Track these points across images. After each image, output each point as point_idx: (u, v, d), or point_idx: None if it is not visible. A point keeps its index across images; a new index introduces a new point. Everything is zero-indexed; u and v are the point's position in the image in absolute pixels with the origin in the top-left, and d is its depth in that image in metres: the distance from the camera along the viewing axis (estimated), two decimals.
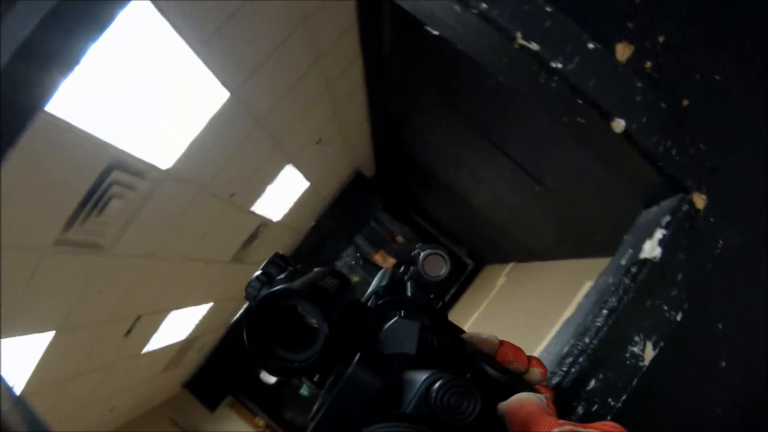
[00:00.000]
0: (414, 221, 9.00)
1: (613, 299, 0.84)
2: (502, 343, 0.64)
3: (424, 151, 5.51)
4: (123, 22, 2.25)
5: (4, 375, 0.99)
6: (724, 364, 0.82)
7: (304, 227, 7.19)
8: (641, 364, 0.81)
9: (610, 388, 0.80)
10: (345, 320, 0.55)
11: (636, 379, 0.80)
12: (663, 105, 0.85)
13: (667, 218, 0.85)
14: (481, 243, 7.49)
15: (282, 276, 0.60)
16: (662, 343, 0.81)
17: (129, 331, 4.21)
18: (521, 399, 0.49)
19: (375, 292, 0.74)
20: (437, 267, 0.72)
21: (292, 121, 4.33)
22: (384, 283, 0.77)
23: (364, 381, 0.48)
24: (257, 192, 4.77)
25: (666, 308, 0.83)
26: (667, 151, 0.84)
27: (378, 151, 7.20)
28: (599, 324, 0.84)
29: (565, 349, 0.85)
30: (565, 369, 0.83)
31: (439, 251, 0.72)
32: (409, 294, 0.73)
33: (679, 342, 0.81)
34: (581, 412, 0.79)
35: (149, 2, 2.30)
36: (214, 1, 2.63)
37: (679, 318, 0.82)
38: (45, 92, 1.14)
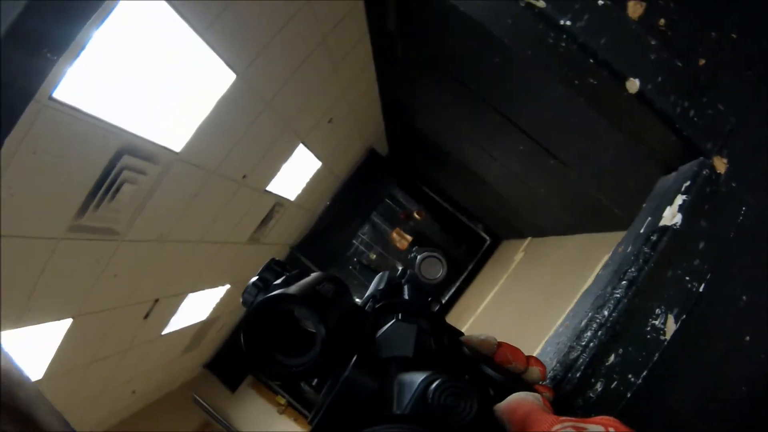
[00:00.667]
0: (429, 198, 8.95)
1: (633, 269, 0.80)
2: (500, 344, 0.64)
3: (437, 127, 5.43)
4: (126, 7, 2.23)
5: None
6: (748, 338, 0.77)
7: (319, 206, 7.18)
8: (662, 338, 0.76)
9: (630, 363, 0.76)
10: (342, 324, 0.55)
11: (657, 354, 0.76)
12: (678, 64, 0.79)
13: (688, 183, 0.80)
14: (497, 219, 7.43)
15: (279, 281, 0.61)
16: (684, 316, 0.77)
17: (147, 315, 4.26)
18: (518, 399, 0.49)
19: (372, 296, 0.74)
20: (434, 270, 0.74)
21: (302, 101, 4.30)
22: (381, 286, 0.78)
23: (361, 384, 0.49)
24: (271, 172, 4.76)
25: (688, 279, 0.78)
26: (685, 113, 0.79)
27: (390, 130, 7.14)
28: (618, 295, 0.79)
29: (583, 323, 0.82)
30: (583, 344, 0.79)
31: (436, 254, 0.74)
32: (406, 297, 0.74)
33: (702, 315, 0.77)
34: (600, 388, 0.75)
35: None
36: None
37: (701, 289, 0.77)
38: (39, 75, 1.12)
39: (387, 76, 5.07)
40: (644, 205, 0.91)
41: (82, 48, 2.13)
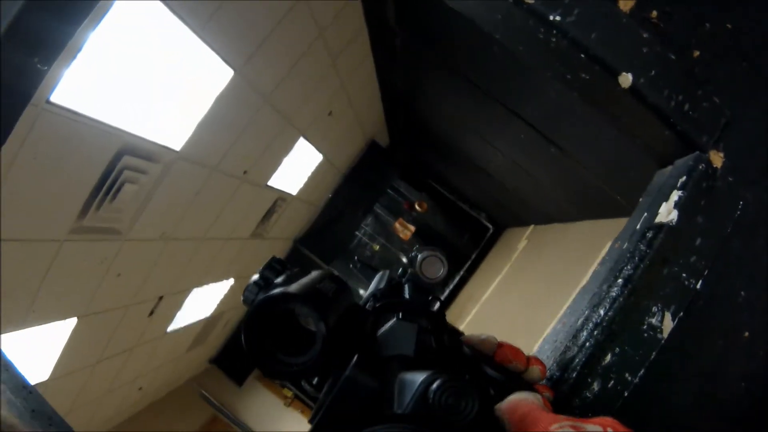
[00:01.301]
0: (431, 188, 8.94)
1: (629, 267, 0.79)
2: (500, 343, 0.64)
3: (437, 118, 5.41)
4: (121, 8, 2.22)
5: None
6: (747, 335, 0.76)
7: (322, 200, 7.18)
8: (659, 336, 0.76)
9: (627, 362, 0.75)
10: (342, 323, 0.55)
11: (654, 353, 0.75)
12: (672, 57, 0.78)
13: (683, 179, 0.79)
14: (499, 207, 7.41)
15: (279, 280, 0.61)
16: (681, 314, 0.76)
17: (152, 312, 4.28)
18: (518, 398, 0.49)
19: (373, 295, 0.74)
20: (434, 269, 0.73)
21: (301, 95, 4.28)
22: (382, 285, 0.78)
23: (362, 383, 0.49)
24: (272, 167, 4.76)
25: (685, 276, 0.77)
26: (679, 106, 0.77)
27: (391, 121, 7.11)
28: (615, 294, 0.79)
29: (580, 322, 0.81)
30: (579, 343, 0.79)
31: (437, 253, 0.74)
32: (407, 296, 0.74)
33: (699, 312, 0.76)
34: (597, 388, 0.75)
35: None
36: None
37: (698, 286, 0.76)
38: (34, 78, 1.11)
39: (386, 67, 5.04)
40: (640, 200, 0.89)
41: (79, 50, 2.12)
